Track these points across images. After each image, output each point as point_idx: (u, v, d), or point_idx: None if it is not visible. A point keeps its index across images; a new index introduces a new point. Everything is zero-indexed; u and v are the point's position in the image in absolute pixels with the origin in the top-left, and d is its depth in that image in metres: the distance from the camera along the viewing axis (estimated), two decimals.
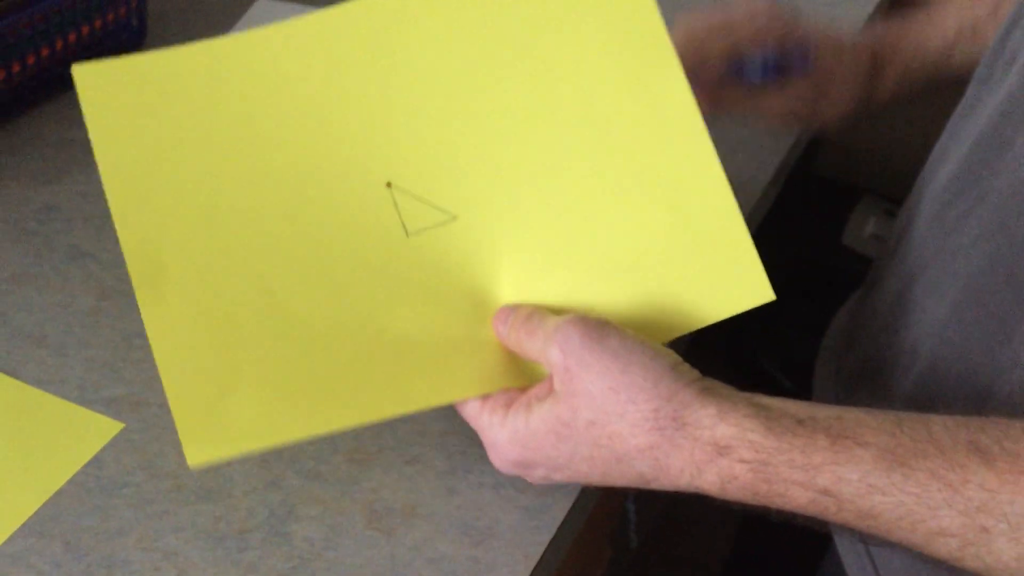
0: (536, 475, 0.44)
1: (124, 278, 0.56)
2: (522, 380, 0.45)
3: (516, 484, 0.49)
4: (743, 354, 0.84)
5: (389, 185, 0.45)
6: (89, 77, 0.44)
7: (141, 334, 0.54)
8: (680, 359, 0.42)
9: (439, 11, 0.46)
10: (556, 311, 0.44)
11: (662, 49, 0.46)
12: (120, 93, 0.44)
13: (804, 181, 0.95)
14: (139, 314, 0.55)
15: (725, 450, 0.40)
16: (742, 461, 0.40)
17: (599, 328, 0.42)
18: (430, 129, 0.46)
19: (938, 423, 0.40)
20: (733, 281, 0.45)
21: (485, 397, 0.44)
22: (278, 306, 0.43)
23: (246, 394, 0.42)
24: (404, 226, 0.45)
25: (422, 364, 0.44)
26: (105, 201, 0.61)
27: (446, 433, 0.51)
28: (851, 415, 0.40)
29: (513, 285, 0.45)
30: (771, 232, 0.77)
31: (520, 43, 0.47)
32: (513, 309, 0.45)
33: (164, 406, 0.50)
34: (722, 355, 0.84)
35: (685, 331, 0.45)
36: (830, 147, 1.10)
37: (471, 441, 0.51)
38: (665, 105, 0.46)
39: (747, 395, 0.41)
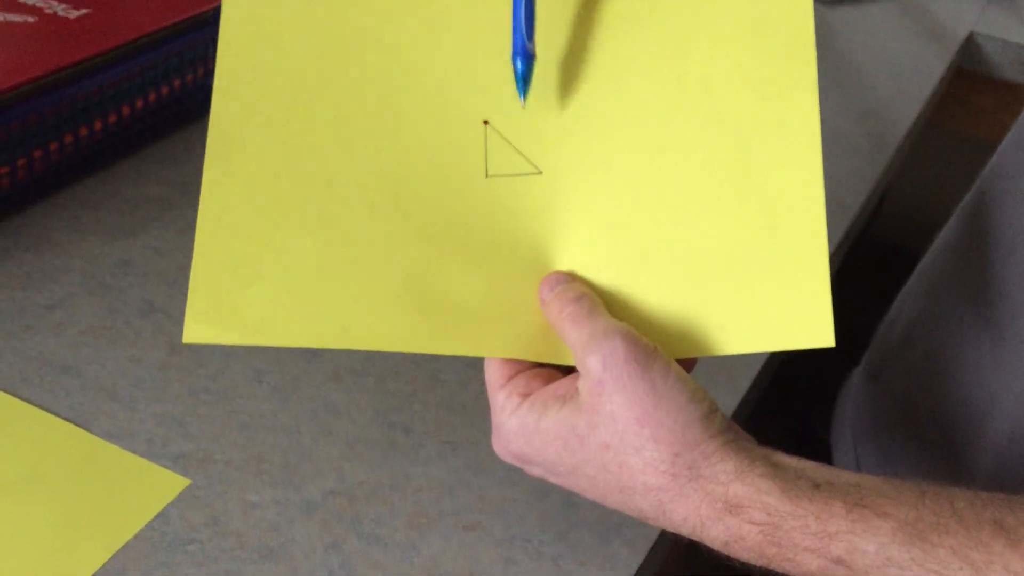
0: (533, 472, 0.43)
1: None
2: (550, 357, 0.43)
3: (577, 557, 0.48)
4: (786, 392, 0.83)
5: (486, 123, 0.44)
6: None
7: (209, 389, 0.55)
8: (715, 406, 0.41)
9: None
10: (607, 299, 0.42)
11: (805, 64, 0.44)
12: None
13: (863, 246, 0.95)
14: (207, 369, 0.56)
15: (736, 509, 0.39)
16: (752, 523, 0.38)
17: (647, 354, 0.40)
18: (546, 81, 0.44)
19: (962, 498, 0.38)
20: (798, 315, 0.43)
21: (509, 374, 0.43)
22: (335, 214, 0.43)
23: (270, 287, 0.42)
24: (486, 166, 0.44)
25: (458, 308, 0.43)
26: (177, 258, 0.63)
27: (506, 500, 0.51)
28: (871, 483, 0.39)
29: (573, 254, 0.44)
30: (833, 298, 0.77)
31: (659, 16, 0.45)
32: (565, 280, 0.43)
33: (230, 463, 0.51)
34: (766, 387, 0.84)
35: (732, 352, 0.43)
36: (890, 212, 1.09)
37: (529, 507, 0.50)
38: (788, 120, 0.44)
39: (766, 452, 0.40)
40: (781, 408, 0.83)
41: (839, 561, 0.38)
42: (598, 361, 0.39)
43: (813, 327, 0.42)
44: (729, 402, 0.59)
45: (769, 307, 0.43)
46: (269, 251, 0.43)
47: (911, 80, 0.94)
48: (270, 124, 0.44)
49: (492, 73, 0.44)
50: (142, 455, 0.51)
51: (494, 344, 0.43)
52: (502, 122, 0.44)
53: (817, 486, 0.39)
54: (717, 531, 0.39)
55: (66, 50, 0.66)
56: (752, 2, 0.45)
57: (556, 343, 0.43)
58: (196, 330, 0.42)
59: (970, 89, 1.10)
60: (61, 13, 0.70)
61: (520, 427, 0.41)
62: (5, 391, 0.53)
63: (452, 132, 0.44)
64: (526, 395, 0.42)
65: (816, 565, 0.38)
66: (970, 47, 1.05)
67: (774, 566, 0.39)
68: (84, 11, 0.70)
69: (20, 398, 0.53)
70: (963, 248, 0.60)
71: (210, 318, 0.42)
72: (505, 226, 0.44)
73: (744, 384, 0.60)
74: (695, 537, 0.40)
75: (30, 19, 0.69)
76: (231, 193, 0.43)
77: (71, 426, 0.52)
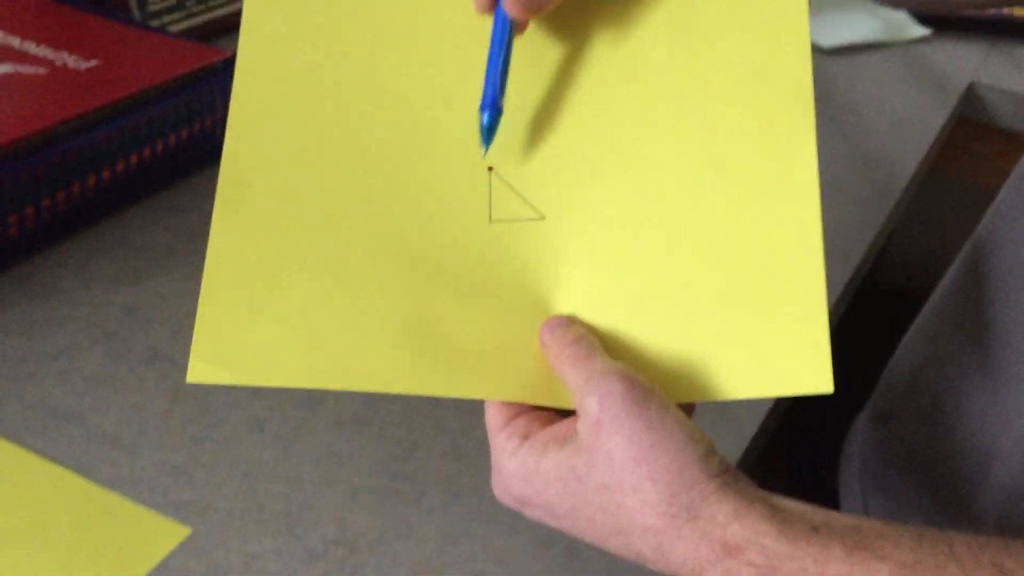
0: (533, 515, 0.43)
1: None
2: (550, 400, 0.43)
3: None
4: (793, 439, 0.83)
5: (491, 169, 0.45)
6: None
7: (212, 438, 0.55)
8: (713, 447, 0.40)
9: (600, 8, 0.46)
10: (607, 343, 0.43)
11: (803, 111, 0.44)
12: (280, 6, 0.46)
13: (868, 292, 0.95)
14: (210, 417, 0.56)
15: (735, 551, 0.38)
16: (750, 564, 0.38)
17: (644, 394, 0.40)
18: (550, 125, 0.45)
19: (961, 542, 0.38)
20: (797, 361, 0.42)
21: (508, 416, 0.43)
22: (340, 256, 0.43)
23: (275, 328, 0.42)
24: (490, 211, 0.44)
25: (460, 350, 0.43)
26: (182, 305, 0.63)
27: (510, 550, 0.50)
28: (870, 525, 0.39)
29: (574, 298, 0.44)
30: (835, 344, 0.77)
31: (661, 59, 0.45)
32: (565, 323, 0.43)
33: (232, 512, 0.51)
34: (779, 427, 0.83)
35: (731, 398, 0.43)
36: (894, 258, 1.09)
37: (533, 557, 0.50)
38: (787, 166, 0.44)
39: (764, 494, 0.40)
40: (788, 455, 0.82)
41: None
42: (596, 401, 0.40)
43: (812, 373, 0.42)
44: (735, 449, 0.58)
45: (768, 353, 0.43)
46: (275, 292, 0.43)
47: (913, 129, 0.95)
48: (280, 168, 0.45)
49: (507, 120, 0.45)
50: (143, 503, 0.51)
51: (495, 387, 0.43)
52: (506, 168, 0.45)
53: (815, 528, 0.38)
54: (716, 573, 0.39)
55: (75, 101, 0.67)
56: (751, 51, 0.45)
57: (556, 386, 0.43)
58: (200, 369, 0.42)
59: (972, 137, 1.10)
60: (71, 65, 0.71)
61: (520, 468, 0.41)
62: (8, 439, 0.53)
63: (457, 177, 0.45)
64: (526, 437, 0.42)
65: None
66: (971, 96, 1.06)
67: None
68: (94, 62, 0.71)
69: (23, 446, 0.53)
70: (965, 292, 0.61)
71: (214, 357, 0.42)
72: (507, 270, 0.44)
73: (750, 431, 0.60)
74: None
75: (40, 70, 0.70)
76: (239, 234, 0.44)
77: (73, 474, 0.52)
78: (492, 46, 0.44)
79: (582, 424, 0.40)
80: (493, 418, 0.43)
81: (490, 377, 0.43)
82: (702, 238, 0.44)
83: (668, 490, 0.39)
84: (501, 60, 0.44)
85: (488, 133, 0.44)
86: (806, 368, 0.42)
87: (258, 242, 0.44)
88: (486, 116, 0.44)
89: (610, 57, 0.46)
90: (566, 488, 0.40)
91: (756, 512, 0.38)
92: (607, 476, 0.39)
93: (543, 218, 0.45)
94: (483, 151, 0.44)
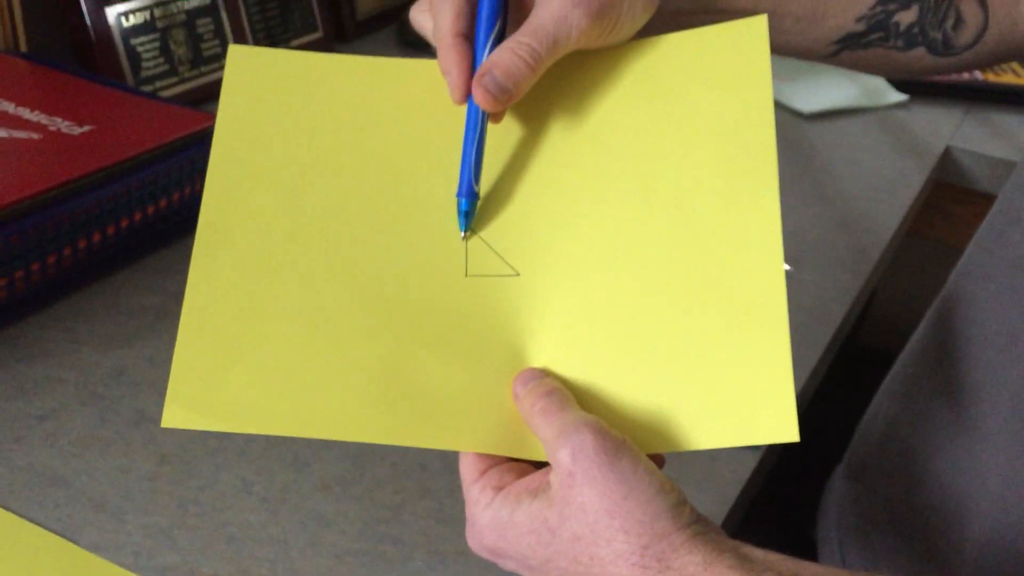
0: (507, 566, 0.43)
1: (184, 444, 0.58)
2: (523, 452, 0.44)
3: None
4: (773, 491, 0.83)
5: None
6: (240, 56, 0.49)
7: (197, 501, 0.55)
8: (683, 497, 0.41)
9: (564, 74, 0.48)
10: (579, 395, 0.44)
11: (767, 170, 0.46)
12: (260, 77, 0.48)
13: (849, 350, 0.96)
14: (197, 480, 0.56)
15: None
16: None
17: (616, 446, 0.40)
18: (523, 188, 0.47)
19: None
20: (762, 412, 0.44)
21: (483, 468, 0.43)
22: (316, 306, 0.44)
23: (251, 375, 0.43)
24: (466, 267, 0.46)
25: (434, 402, 0.44)
26: (170, 367, 0.63)
27: None
28: None
29: (546, 352, 0.45)
30: (819, 401, 0.78)
31: (629, 121, 0.47)
32: (537, 376, 0.44)
33: None
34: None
35: (700, 448, 0.44)
36: (875, 317, 1.11)
37: None
38: (751, 222, 0.46)
39: (735, 544, 0.40)
40: (768, 504, 0.82)
41: None
42: (568, 454, 0.40)
43: (778, 422, 0.43)
44: (719, 511, 0.59)
45: (734, 404, 0.44)
46: (251, 339, 0.44)
47: (891, 192, 0.97)
48: (257, 220, 0.46)
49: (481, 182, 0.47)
50: (128, 568, 0.50)
51: (468, 438, 0.44)
52: (483, 227, 0.47)
53: None
54: None
55: (69, 166, 0.68)
56: (715, 110, 0.47)
57: (529, 438, 0.44)
58: (175, 414, 0.43)
59: (950, 199, 1.12)
60: (65, 130, 0.72)
61: (493, 520, 0.42)
62: None
63: (434, 234, 0.46)
64: (499, 488, 0.43)
65: None
66: (947, 160, 1.08)
67: None
68: (87, 127, 0.73)
69: (8, 509, 0.53)
70: (935, 349, 0.62)
71: (190, 403, 0.43)
72: (482, 323, 0.45)
73: (733, 493, 0.60)
74: None
75: (35, 135, 0.71)
76: (217, 281, 0.45)
77: (58, 538, 0.51)
78: (467, 134, 0.46)
79: (555, 476, 0.41)
80: (467, 469, 0.43)
81: (463, 428, 0.44)
82: (669, 293, 0.45)
83: (640, 541, 0.39)
84: (475, 148, 0.46)
85: (466, 217, 0.46)
86: (772, 418, 0.43)
87: (235, 290, 0.45)
88: (463, 202, 0.46)
89: (578, 122, 0.48)
90: (539, 540, 0.41)
91: (725, 562, 0.39)
92: (580, 528, 0.40)
93: (518, 274, 0.46)
94: (462, 234, 0.46)
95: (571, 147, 0.48)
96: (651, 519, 0.39)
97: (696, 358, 0.44)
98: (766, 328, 0.44)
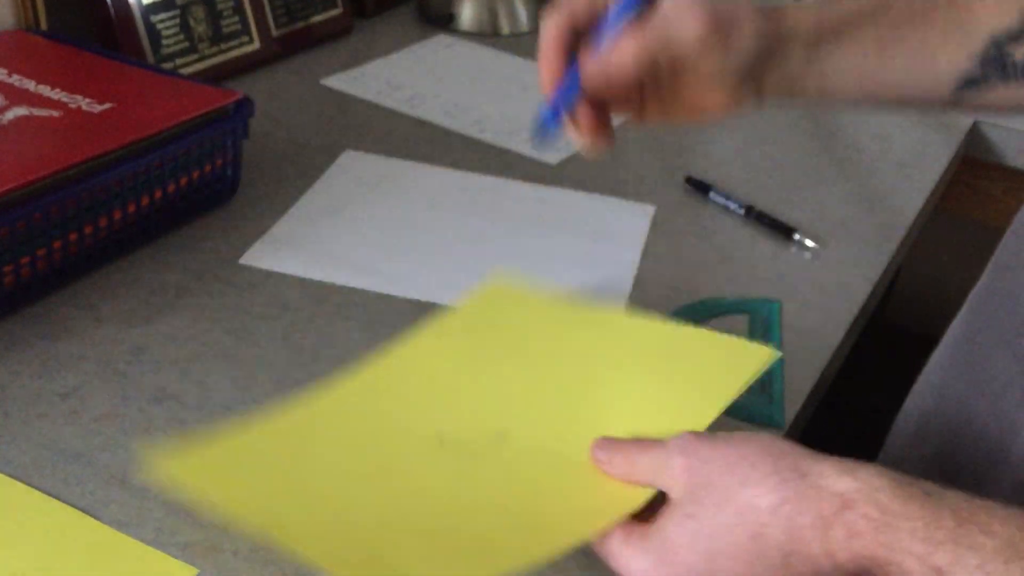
0: None
1: (205, 420, 0.58)
2: (627, 506, 0.46)
3: None
4: None
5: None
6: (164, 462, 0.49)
7: None
8: None
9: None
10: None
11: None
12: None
13: (877, 329, 0.95)
14: None
15: (850, 503, 0.39)
16: (867, 518, 0.39)
17: (709, 434, 0.46)
18: (487, 426, 0.52)
19: None
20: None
21: (607, 543, 0.45)
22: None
23: (240, 469, 0.49)
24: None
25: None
26: (191, 345, 0.64)
27: None
28: (978, 502, 0.40)
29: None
30: (846, 382, 0.77)
31: (608, 376, 0.54)
32: (610, 439, 0.48)
33: (238, 553, 0.51)
34: None
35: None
36: (902, 296, 1.09)
37: None
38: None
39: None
40: None
41: (938, 571, 0.38)
42: (679, 454, 0.44)
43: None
44: None
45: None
46: (248, 452, 0.50)
47: (917, 168, 0.95)
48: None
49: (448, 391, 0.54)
50: (150, 544, 0.51)
51: (581, 529, 0.47)
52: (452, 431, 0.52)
53: (928, 494, 0.39)
54: (839, 529, 0.39)
55: (90, 144, 0.68)
56: (677, 397, 0.53)
57: (617, 495, 0.47)
58: (156, 466, 0.48)
59: (978, 176, 1.11)
60: (86, 108, 0.72)
61: (653, 560, 0.43)
62: (17, 479, 0.54)
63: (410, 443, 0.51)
64: (627, 540, 0.44)
65: (917, 573, 0.38)
66: (975, 135, 1.06)
67: (874, 572, 0.39)
68: (108, 105, 0.73)
69: (32, 486, 0.53)
70: (971, 341, 0.61)
71: (171, 462, 0.48)
72: (455, 493, 0.49)
73: None
74: (825, 559, 0.40)
75: (55, 113, 0.71)
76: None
77: (81, 514, 0.52)
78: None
79: (674, 484, 0.44)
80: (601, 548, 0.45)
81: (565, 526, 0.47)
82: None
83: (769, 462, 0.42)
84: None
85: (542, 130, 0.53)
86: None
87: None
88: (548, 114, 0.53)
89: (560, 370, 0.55)
90: (693, 536, 0.42)
91: (869, 468, 0.40)
92: (715, 496, 0.42)
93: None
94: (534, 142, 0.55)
95: (547, 377, 0.55)
96: (766, 449, 0.43)
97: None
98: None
